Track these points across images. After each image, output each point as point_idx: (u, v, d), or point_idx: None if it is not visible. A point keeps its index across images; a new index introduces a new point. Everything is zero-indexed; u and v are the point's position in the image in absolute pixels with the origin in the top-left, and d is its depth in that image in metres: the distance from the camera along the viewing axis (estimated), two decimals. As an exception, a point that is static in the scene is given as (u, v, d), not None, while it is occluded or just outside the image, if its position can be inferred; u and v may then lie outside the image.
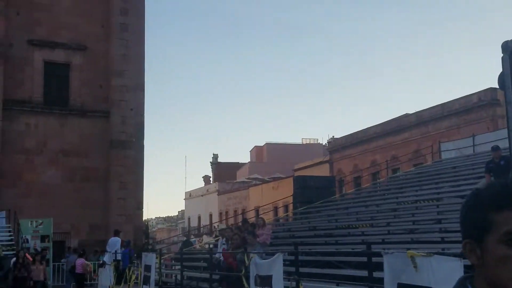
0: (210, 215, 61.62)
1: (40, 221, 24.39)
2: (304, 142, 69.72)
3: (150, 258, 16.99)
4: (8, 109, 28.60)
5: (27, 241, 23.65)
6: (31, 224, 24.27)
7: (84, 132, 30.16)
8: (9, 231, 24.54)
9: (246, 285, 12.26)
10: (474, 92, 30.76)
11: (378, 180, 31.59)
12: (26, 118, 29.18)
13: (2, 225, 24.87)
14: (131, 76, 31.04)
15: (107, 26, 31.30)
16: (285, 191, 36.42)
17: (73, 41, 30.65)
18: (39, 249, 22.98)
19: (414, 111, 36.06)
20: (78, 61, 30.63)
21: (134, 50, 31.38)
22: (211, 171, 73.85)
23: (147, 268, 16.64)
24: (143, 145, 31.98)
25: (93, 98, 30.60)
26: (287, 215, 32.91)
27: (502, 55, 7.32)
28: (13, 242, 23.25)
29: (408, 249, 13.72)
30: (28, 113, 29.25)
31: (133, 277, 18.19)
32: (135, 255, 21.87)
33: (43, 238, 24.12)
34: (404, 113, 37.34)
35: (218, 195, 60.65)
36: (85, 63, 30.72)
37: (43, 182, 28.91)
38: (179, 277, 18.57)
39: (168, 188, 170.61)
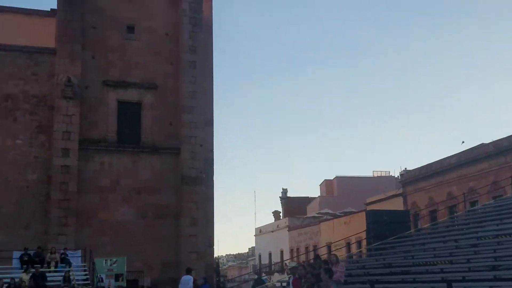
0: (281, 252, 61.05)
1: (114, 260, 24.70)
2: (375, 175, 68.57)
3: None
4: (84, 149, 29.42)
5: (102, 280, 23.95)
6: (105, 262, 24.60)
7: (155, 169, 30.62)
8: (85, 270, 24.95)
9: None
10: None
11: (455, 214, 30.53)
12: (101, 157, 29.90)
13: (78, 264, 25.33)
14: (200, 112, 31.46)
15: (176, 64, 31.96)
16: (357, 226, 35.68)
17: (145, 80, 31.41)
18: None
19: (491, 140, 34.75)
20: (149, 100, 31.32)
21: (202, 87, 31.85)
22: (280, 206, 73.52)
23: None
24: (213, 181, 32.19)
25: (163, 135, 31.12)
26: (360, 251, 32.14)
27: None
28: (88, 282, 23.58)
29: (491, 287, 13.04)
30: (103, 152, 29.98)
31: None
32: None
33: (117, 277, 24.39)
34: (481, 142, 36.07)
35: (288, 230, 60.11)
36: (156, 101, 31.38)
37: (117, 220, 29.41)
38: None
39: (238, 224, 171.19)
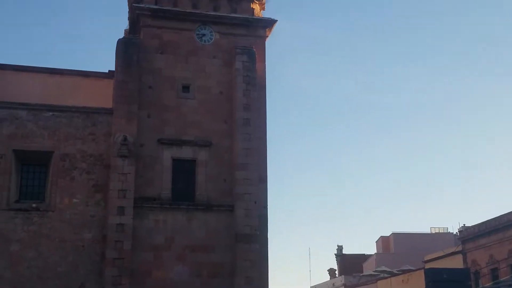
0: (337, 310, 59.51)
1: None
2: (433, 231, 66.86)
3: None
4: (138, 207, 29.64)
5: None
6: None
7: (209, 227, 30.51)
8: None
9: None
10: None
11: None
12: (155, 215, 30.02)
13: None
14: (254, 169, 31.43)
15: (230, 122, 32.25)
16: (416, 285, 34.59)
17: (199, 138, 31.72)
18: None
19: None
20: (204, 157, 31.53)
21: (256, 144, 31.91)
22: (336, 263, 72.09)
23: None
24: (267, 238, 31.75)
25: (217, 192, 31.13)
26: (420, 311, 30.87)
27: None
28: None
29: None
30: (157, 210, 30.11)
31: None
32: None
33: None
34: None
35: (344, 289, 58.71)
36: (210, 158, 31.57)
37: (171, 279, 29.21)
38: None
39: (293, 282, 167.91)
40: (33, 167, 29.82)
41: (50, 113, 29.79)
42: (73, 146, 29.86)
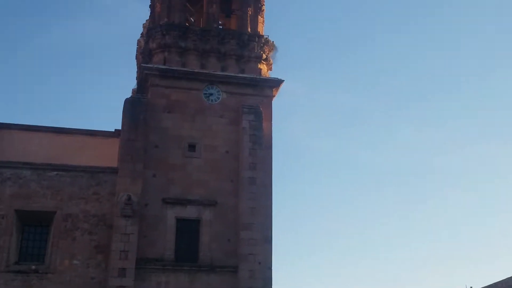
0: None
1: None
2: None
3: None
4: (141, 268, 29.10)
5: None
6: None
7: (213, 289, 29.81)
8: None
9: None
10: None
11: None
12: (157, 276, 29.41)
13: None
14: (259, 229, 30.89)
15: (236, 181, 31.92)
16: None
17: (204, 197, 31.38)
18: None
19: None
20: (208, 216, 31.10)
21: (261, 203, 31.47)
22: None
23: None
24: (272, 301, 30.83)
25: (222, 252, 30.56)
26: None
27: None
28: None
29: None
30: (160, 271, 29.51)
31: None
32: None
33: None
34: None
35: None
36: (215, 217, 31.12)
37: None
38: None
39: None
40: (34, 227, 29.63)
41: (54, 173, 29.81)
42: (76, 206, 29.68)
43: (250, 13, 35.57)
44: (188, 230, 30.80)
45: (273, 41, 35.49)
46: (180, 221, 30.80)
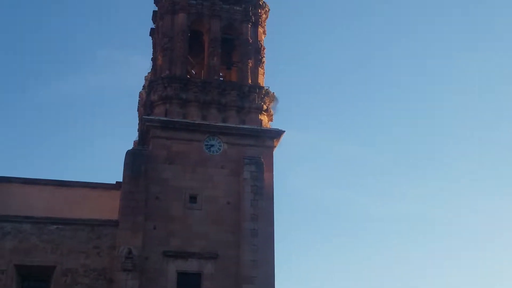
0: None
1: None
2: None
3: None
4: (143, 324, 28.60)
5: None
6: None
7: None
8: None
9: None
10: None
11: None
12: (159, 331, 28.87)
13: None
14: (262, 282, 30.45)
15: (237, 232, 31.62)
16: None
17: (205, 250, 31.04)
18: None
19: None
20: (209, 270, 30.69)
21: (263, 255, 31.11)
22: None
23: None
24: None
25: (224, 307, 30.02)
26: None
27: None
28: None
29: None
30: (159, 328, 28.99)
31: None
32: None
33: None
34: None
35: None
36: (216, 271, 30.69)
37: None
38: None
39: None
40: (34, 282, 29.29)
41: (54, 226, 29.56)
42: (76, 261, 29.29)
43: (251, 65, 35.88)
44: (189, 284, 30.35)
45: (273, 92, 35.71)
46: (181, 275, 30.36)
